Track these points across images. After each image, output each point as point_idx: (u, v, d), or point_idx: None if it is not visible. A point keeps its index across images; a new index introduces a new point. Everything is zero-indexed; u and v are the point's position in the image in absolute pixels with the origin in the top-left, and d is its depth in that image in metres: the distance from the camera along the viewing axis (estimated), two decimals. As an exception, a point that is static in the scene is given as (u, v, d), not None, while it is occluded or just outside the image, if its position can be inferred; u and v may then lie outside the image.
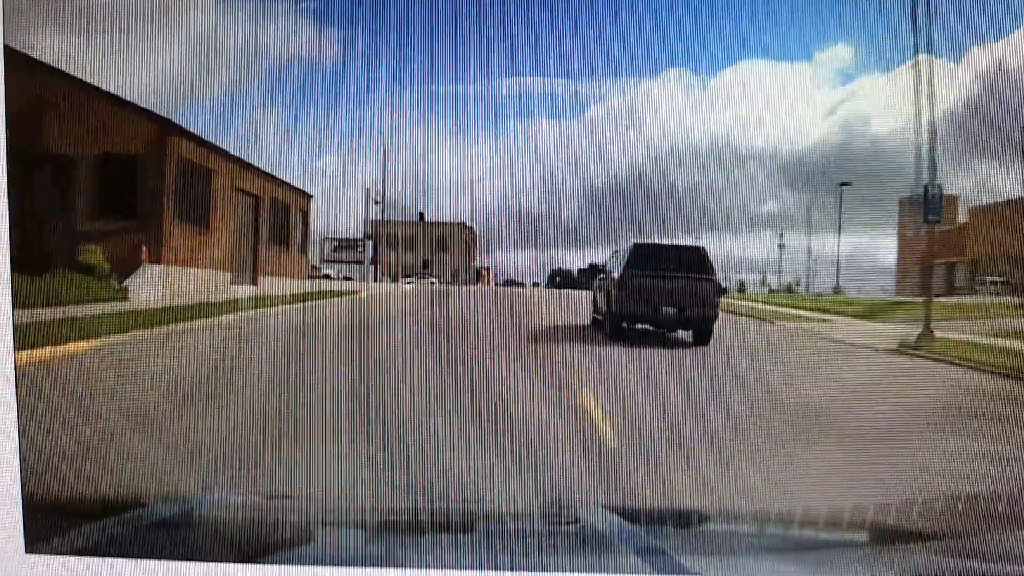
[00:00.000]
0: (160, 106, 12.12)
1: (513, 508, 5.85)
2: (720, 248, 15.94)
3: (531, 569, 4.06)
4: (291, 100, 11.61)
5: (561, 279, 25.73)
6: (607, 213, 13.08)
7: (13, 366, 4.42)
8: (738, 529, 5.00)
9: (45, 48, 10.44)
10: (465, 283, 27.88)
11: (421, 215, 25.55)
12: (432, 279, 27.71)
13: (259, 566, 4.22)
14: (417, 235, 28.59)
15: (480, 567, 4.15)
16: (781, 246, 16.49)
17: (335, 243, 27.30)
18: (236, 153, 14.18)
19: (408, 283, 27.77)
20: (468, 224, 25.41)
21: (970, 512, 5.82)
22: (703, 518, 5.08)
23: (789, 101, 11.37)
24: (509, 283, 25.31)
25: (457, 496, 7.05)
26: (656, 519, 4.90)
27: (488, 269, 28.04)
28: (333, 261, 27.28)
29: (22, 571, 4.68)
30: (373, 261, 27.28)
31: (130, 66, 10.43)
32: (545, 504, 5.76)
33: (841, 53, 12.45)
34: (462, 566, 4.13)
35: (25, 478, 4.93)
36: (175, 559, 4.34)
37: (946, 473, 7.88)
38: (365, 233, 26.18)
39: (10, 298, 4.16)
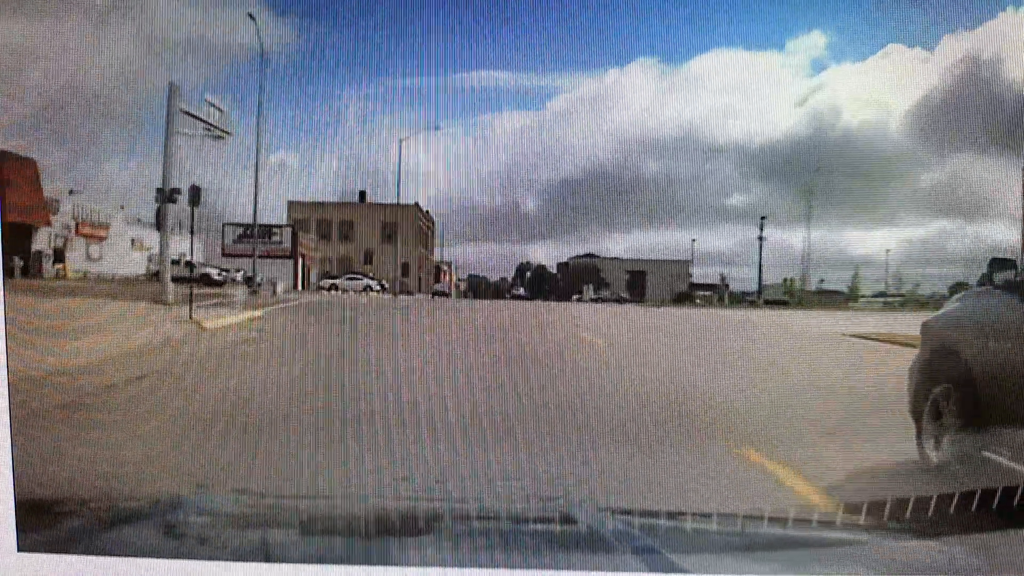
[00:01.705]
0: (108, 101, 11.82)
1: (512, 507, 6.07)
2: (688, 241, 17.60)
3: (530, 567, 4.28)
4: (242, 92, 11.57)
5: (533, 277, 23.12)
6: (573, 206, 13.05)
7: (5, 366, 4.47)
8: (733, 526, 5.03)
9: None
10: (418, 287, 24.92)
11: (362, 194, 21.79)
12: (368, 280, 24.42)
13: (255, 565, 4.39)
14: (356, 220, 24.29)
15: (479, 565, 4.34)
16: (761, 239, 16.13)
17: (240, 230, 23.44)
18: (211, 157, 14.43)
19: (328, 285, 24.95)
20: (424, 209, 22.66)
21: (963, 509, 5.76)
22: (697, 516, 5.10)
23: (761, 90, 11.41)
24: (474, 280, 22.98)
25: (455, 495, 7.20)
26: (650, 517, 5.03)
27: (449, 265, 24.47)
28: (237, 255, 23.64)
29: (15, 570, 4.78)
30: (292, 254, 24.38)
31: (67, 58, 10.65)
32: (542, 503, 6.11)
33: (815, 41, 12.50)
34: (461, 564, 4.32)
35: (17, 476, 4.97)
36: (170, 557, 4.51)
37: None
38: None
39: (1, 300, 4.39)
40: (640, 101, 14.13)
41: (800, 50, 14.20)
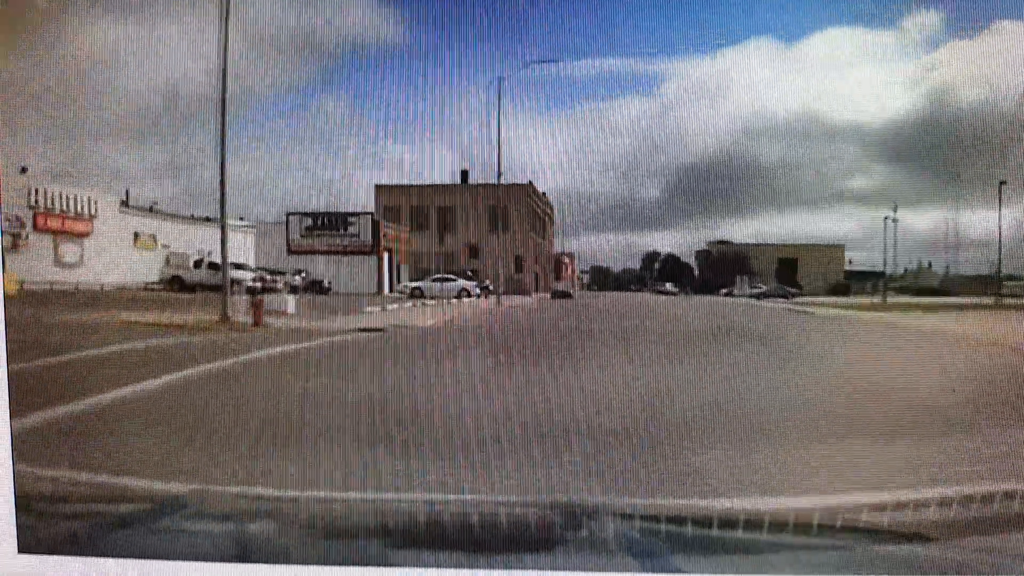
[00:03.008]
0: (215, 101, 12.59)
1: (512, 509, 6.26)
2: (808, 226, 16.30)
3: (529, 568, 4.26)
4: (358, 88, 12.06)
5: (664, 268, 19.88)
6: (694, 191, 13.54)
7: (6, 367, 4.71)
8: (733, 528, 5.21)
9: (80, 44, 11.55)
10: (535, 286, 21.28)
11: (464, 174, 18.17)
12: (464, 281, 20.74)
13: (254, 566, 4.56)
14: (458, 205, 20.17)
15: (479, 566, 4.32)
16: (894, 220, 15.93)
17: (309, 221, 20.31)
18: (303, 147, 14.24)
19: (411, 291, 21.20)
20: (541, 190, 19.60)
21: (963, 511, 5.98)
22: (698, 518, 5.33)
23: (877, 69, 11.70)
24: (597, 273, 20.21)
25: (456, 496, 7.32)
26: (652, 521, 5.23)
27: (571, 257, 20.99)
28: (306, 251, 20.44)
29: (15, 571, 5.00)
30: (373, 249, 21.06)
31: (178, 59, 11.58)
32: (543, 505, 5.76)
33: (929, 19, 12.63)
34: (461, 565, 4.99)
35: (18, 478, 5.23)
36: (169, 559, 4.67)
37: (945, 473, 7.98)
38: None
39: (1, 303, 4.65)
40: (756, 82, 14.53)
41: (915, 27, 14.32)
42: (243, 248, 20.23)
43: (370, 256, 20.46)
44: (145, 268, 20.88)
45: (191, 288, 20.13)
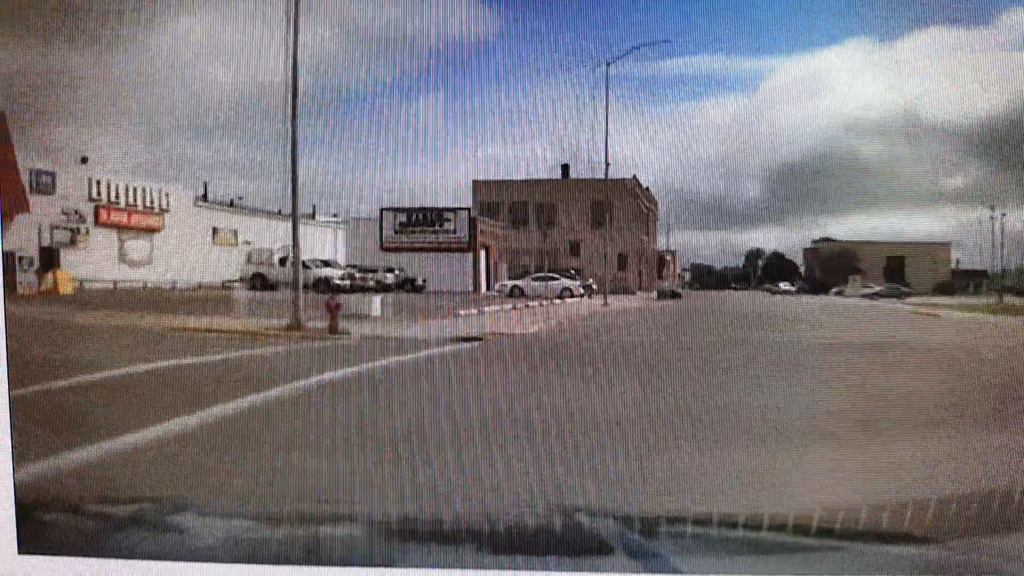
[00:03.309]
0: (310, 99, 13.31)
1: (511, 509, 6.68)
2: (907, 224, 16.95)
3: (528, 568, 4.57)
4: (453, 83, 12.62)
5: (769, 266, 20.28)
6: (792, 189, 14.02)
7: (5, 366, 5.09)
8: (732, 530, 5.48)
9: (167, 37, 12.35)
10: (639, 284, 21.40)
11: (565, 168, 19.17)
12: (566, 280, 20.88)
13: (254, 567, 4.87)
14: (559, 201, 20.59)
15: (479, 567, 4.61)
16: (1003, 215, 15.82)
17: (403, 217, 20.59)
18: (397, 143, 14.54)
19: (510, 290, 21.47)
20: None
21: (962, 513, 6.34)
22: (697, 519, 5.58)
23: (973, 68, 11.86)
24: (698, 270, 20.77)
25: (454, 498, 7.55)
26: (650, 520, 5.43)
27: (673, 254, 21.21)
28: (399, 248, 20.69)
29: (15, 571, 5.34)
30: (470, 246, 21.26)
31: (268, 56, 12.34)
32: (541, 506, 6.04)
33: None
34: (461, 566, 4.56)
35: (18, 479, 5.54)
36: (169, 559, 5.00)
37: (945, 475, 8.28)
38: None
39: (1, 301, 5.05)
40: (852, 81, 14.83)
41: (1011, 24, 14.44)
42: (333, 245, 21.03)
43: (466, 253, 20.70)
44: (225, 265, 21.13)
45: (274, 286, 20.25)
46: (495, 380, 12.23)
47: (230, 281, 21.02)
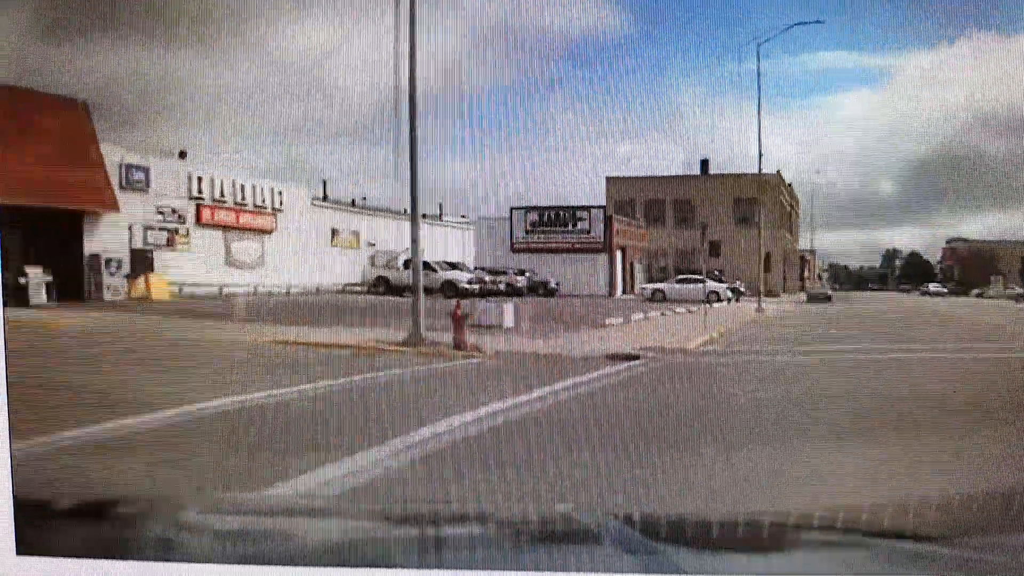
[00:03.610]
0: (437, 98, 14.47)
1: (511, 510, 6.66)
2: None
3: (527, 569, 4.56)
4: (584, 82, 13.98)
5: (908, 266, 19.52)
6: (925, 187, 15.40)
7: (5, 369, 5.36)
8: (732, 530, 5.46)
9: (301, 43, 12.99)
10: (783, 287, 20.40)
11: (704, 163, 18.22)
12: (712, 282, 19.46)
13: (253, 567, 4.66)
14: (697, 199, 19.55)
15: (479, 567, 4.57)
16: None
17: (535, 216, 19.49)
18: (528, 142, 14.00)
19: (651, 293, 20.05)
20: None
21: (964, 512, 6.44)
22: (698, 519, 5.80)
23: None
24: (835, 270, 20.23)
25: (456, 498, 7.64)
26: (651, 520, 5.55)
27: (813, 254, 20.50)
28: (530, 249, 19.57)
29: (14, 572, 5.18)
30: (606, 247, 20.16)
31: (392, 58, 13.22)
32: (542, 506, 6.55)
33: None
34: (460, 566, 4.58)
35: (16, 480, 5.42)
36: (167, 560, 4.81)
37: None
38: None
39: (1, 302, 4.65)
40: (980, 75, 14.24)
41: None
42: (461, 247, 20.37)
43: (601, 254, 19.78)
44: (345, 268, 20.45)
45: (398, 290, 19.43)
46: (672, 421, 10.43)
47: (351, 285, 20.50)
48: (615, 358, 14.26)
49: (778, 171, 17.72)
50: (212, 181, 19.21)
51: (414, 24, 12.67)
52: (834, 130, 14.51)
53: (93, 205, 18.43)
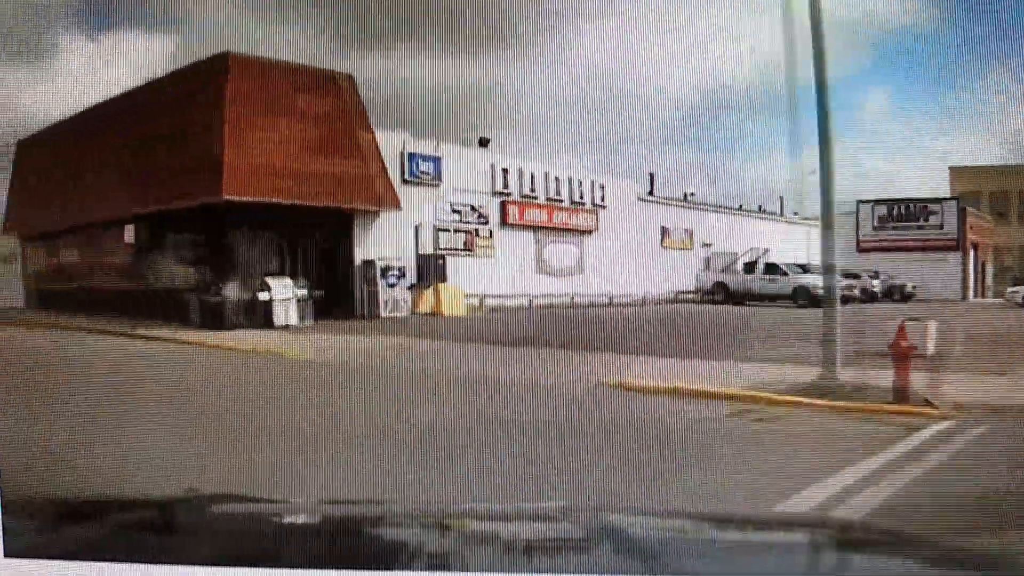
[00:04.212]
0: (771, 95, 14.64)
1: (510, 511, 6.15)
2: None
3: (528, 570, 4.48)
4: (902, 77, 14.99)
5: None
6: None
7: None
8: (730, 530, 5.33)
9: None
10: None
11: None
12: None
13: (243, 570, 4.47)
14: None
15: (478, 569, 4.44)
16: None
17: (883, 210, 18.08)
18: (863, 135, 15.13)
19: (1011, 305, 17.97)
20: None
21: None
22: (694, 520, 5.53)
23: None
24: None
25: (452, 498, 7.65)
26: (648, 521, 5.41)
27: None
28: (879, 248, 18.19)
29: (2, 574, 5.08)
30: (958, 244, 18.70)
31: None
32: (540, 507, 6.14)
33: None
34: (458, 568, 4.45)
35: (3, 481, 5.57)
36: (157, 563, 4.61)
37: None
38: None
39: None
40: None
41: None
42: (804, 246, 18.09)
43: (953, 252, 18.24)
44: (676, 273, 18.98)
45: (739, 298, 18.23)
46: None
47: (683, 292, 19.08)
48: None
49: None
50: (521, 173, 18.19)
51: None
52: None
53: (368, 202, 17.25)
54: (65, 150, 19.39)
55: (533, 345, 13.47)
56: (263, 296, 16.17)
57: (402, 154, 17.24)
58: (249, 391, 11.57)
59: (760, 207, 20.79)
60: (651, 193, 19.67)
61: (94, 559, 4.68)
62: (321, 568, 4.44)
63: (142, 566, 4.58)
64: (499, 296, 17.42)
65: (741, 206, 19.44)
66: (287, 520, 5.52)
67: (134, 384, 11.38)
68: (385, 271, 16.97)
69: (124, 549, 4.71)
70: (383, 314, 16.91)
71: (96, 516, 5.17)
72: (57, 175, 20.17)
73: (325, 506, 6.40)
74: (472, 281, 17.40)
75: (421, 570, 4.48)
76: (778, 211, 20.03)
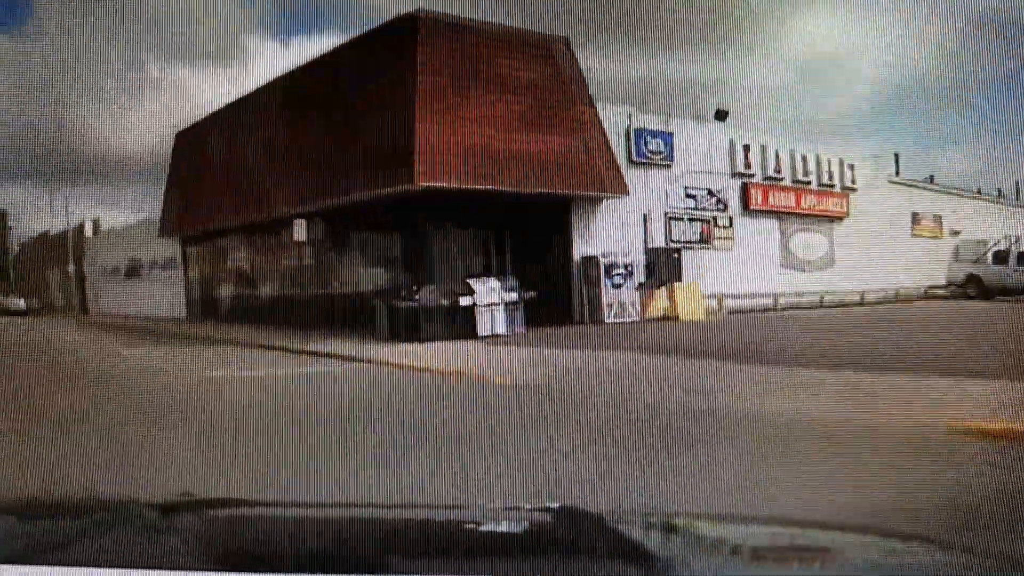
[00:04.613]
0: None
1: (510, 512, 4.43)
2: None
3: (528, 571, 3.17)
4: None
5: None
6: None
7: None
8: (728, 531, 3.74)
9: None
10: None
11: None
12: None
13: (243, 574, 3.06)
14: None
15: (478, 570, 3.11)
16: None
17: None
18: None
19: None
20: None
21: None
22: (692, 521, 3.88)
23: None
24: None
25: (449, 500, 7.16)
26: (645, 523, 3.80)
27: None
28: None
29: None
30: None
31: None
32: (537, 508, 4.13)
33: None
34: (456, 570, 3.17)
35: None
36: (148, 568, 3.01)
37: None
38: None
39: None
40: None
41: None
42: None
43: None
44: (926, 264, 17.68)
45: (990, 293, 16.66)
46: None
47: (933, 287, 18.00)
48: None
49: None
50: (764, 151, 16.70)
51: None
52: None
53: (589, 188, 15.79)
54: (228, 139, 18.53)
55: (810, 363, 10.40)
56: (465, 301, 14.61)
57: (627, 130, 15.76)
58: (442, 441, 7.90)
59: (999, 191, 20.18)
60: (896, 173, 18.62)
61: (80, 565, 3.35)
62: (321, 571, 3.27)
63: (133, 572, 3.24)
64: (739, 296, 15.93)
65: (979, 190, 18.54)
66: (284, 523, 4.24)
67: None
68: (609, 269, 15.52)
69: (111, 554, 3.39)
70: (607, 319, 15.53)
71: (81, 520, 4.09)
72: (219, 167, 19.17)
73: (325, 508, 4.93)
74: (710, 278, 15.65)
75: (421, 572, 3.35)
76: (1014, 196, 19.28)
